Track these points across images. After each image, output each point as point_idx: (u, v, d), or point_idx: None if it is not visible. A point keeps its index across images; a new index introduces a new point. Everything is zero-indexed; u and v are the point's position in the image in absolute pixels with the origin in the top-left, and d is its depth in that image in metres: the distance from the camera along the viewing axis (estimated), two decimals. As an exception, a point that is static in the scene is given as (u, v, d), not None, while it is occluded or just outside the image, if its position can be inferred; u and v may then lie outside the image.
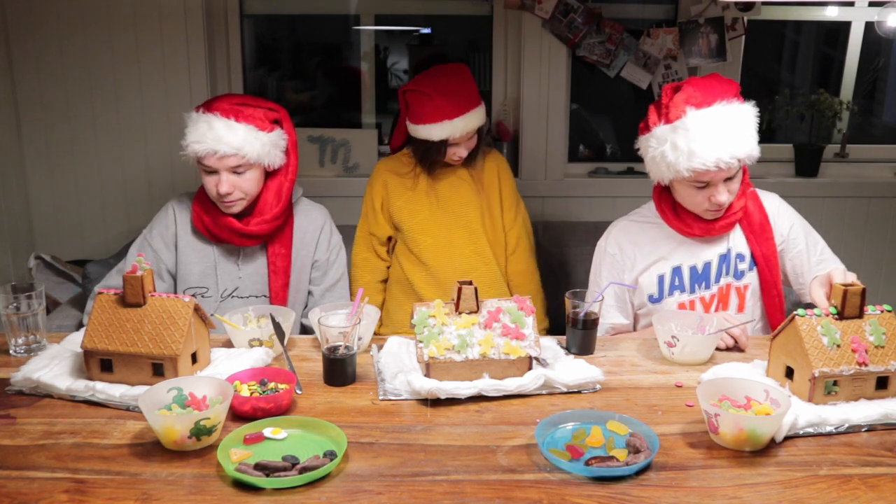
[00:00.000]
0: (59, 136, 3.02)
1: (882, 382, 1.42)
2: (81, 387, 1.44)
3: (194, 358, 1.51)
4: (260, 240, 2.05)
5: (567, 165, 3.25)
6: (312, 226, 2.13)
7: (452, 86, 2.26)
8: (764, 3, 3.02)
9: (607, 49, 3.05)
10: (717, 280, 1.94)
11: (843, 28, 3.28)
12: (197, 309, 1.51)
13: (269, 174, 2.04)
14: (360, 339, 1.62)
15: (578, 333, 1.71)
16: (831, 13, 3.24)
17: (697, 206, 1.88)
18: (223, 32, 3.09)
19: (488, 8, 3.17)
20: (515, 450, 1.29)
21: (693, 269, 1.95)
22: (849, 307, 1.45)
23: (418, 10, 3.38)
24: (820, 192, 3.22)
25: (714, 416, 1.29)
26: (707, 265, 1.94)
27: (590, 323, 1.71)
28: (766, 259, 1.93)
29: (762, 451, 1.28)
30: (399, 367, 1.57)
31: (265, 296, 2.07)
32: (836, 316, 1.45)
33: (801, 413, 1.34)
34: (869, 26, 3.20)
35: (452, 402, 1.46)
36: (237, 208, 1.99)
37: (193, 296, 1.87)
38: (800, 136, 3.35)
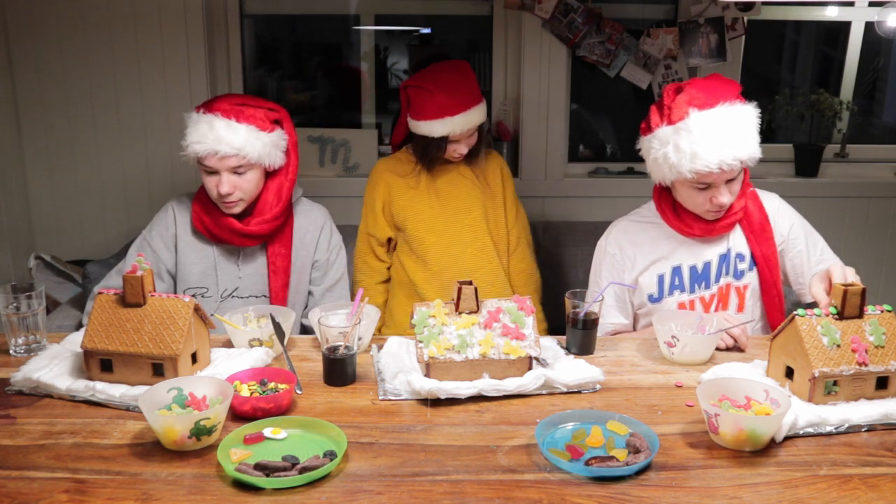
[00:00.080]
0: (59, 136, 3.02)
1: (882, 382, 1.42)
2: (81, 387, 1.44)
3: (194, 358, 1.51)
4: (260, 240, 2.05)
5: (567, 165, 3.25)
6: (313, 226, 2.13)
7: (454, 82, 2.26)
8: (764, 3, 3.02)
9: (607, 49, 3.05)
10: (717, 280, 1.94)
11: (843, 28, 3.28)
12: (197, 309, 1.51)
13: (269, 174, 2.04)
14: (360, 339, 1.62)
15: (578, 333, 1.71)
16: (831, 13, 3.24)
17: (699, 206, 1.88)
18: (223, 32, 3.09)
19: (488, 8, 3.17)
20: (515, 450, 1.29)
21: (693, 268, 1.95)
22: (849, 307, 1.45)
23: (418, 10, 3.38)
24: (820, 192, 3.22)
25: (714, 416, 1.29)
26: (707, 265, 1.94)
27: (590, 323, 1.71)
28: (765, 259, 1.93)
29: (762, 451, 1.28)
30: (399, 367, 1.57)
31: (265, 296, 2.07)
32: (836, 316, 1.45)
33: (801, 413, 1.34)
34: (869, 26, 3.20)
35: (452, 402, 1.46)
36: (237, 209, 1.99)
37: (193, 296, 1.87)
38: (800, 136, 3.35)
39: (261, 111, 1.98)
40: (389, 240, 2.47)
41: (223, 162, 1.92)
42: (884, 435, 1.34)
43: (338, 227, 2.21)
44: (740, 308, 1.95)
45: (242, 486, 1.17)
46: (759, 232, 1.93)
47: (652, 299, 1.97)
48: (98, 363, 1.48)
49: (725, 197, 1.83)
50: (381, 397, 1.48)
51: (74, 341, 1.65)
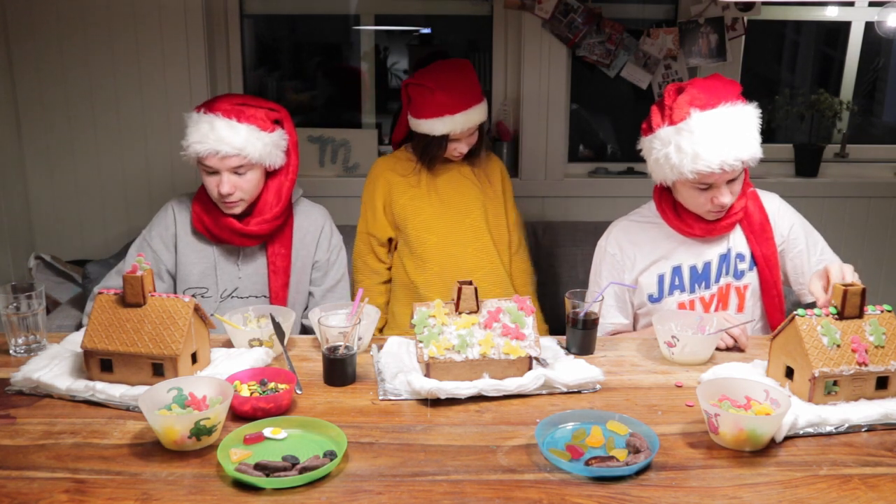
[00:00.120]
0: (59, 136, 3.02)
1: (882, 382, 1.42)
2: (81, 387, 1.44)
3: (194, 358, 1.51)
4: (260, 240, 2.05)
5: (567, 165, 3.25)
6: (313, 226, 2.13)
7: (455, 81, 2.26)
8: (764, 3, 3.02)
9: (607, 49, 3.05)
10: (717, 280, 1.94)
11: (843, 28, 3.28)
12: (197, 309, 1.51)
13: (269, 174, 2.04)
14: (360, 339, 1.62)
15: (578, 333, 1.71)
16: (831, 13, 3.24)
17: (700, 207, 1.88)
18: (223, 32, 3.09)
19: (488, 8, 3.17)
20: (515, 450, 1.29)
21: (693, 268, 1.95)
22: (849, 307, 1.45)
23: (418, 10, 3.38)
24: (820, 192, 3.22)
25: (714, 416, 1.29)
26: (707, 265, 1.94)
27: (590, 323, 1.71)
28: (766, 259, 1.93)
29: (762, 451, 1.28)
30: (399, 367, 1.57)
31: (265, 296, 2.07)
32: (836, 316, 1.45)
33: (801, 413, 1.34)
34: (869, 26, 3.20)
35: (452, 402, 1.46)
36: (238, 209, 1.99)
37: (193, 296, 1.87)
38: (800, 136, 3.35)
39: (261, 111, 1.98)
40: (390, 240, 2.46)
41: (224, 162, 1.92)
42: (884, 435, 1.34)
43: (338, 228, 2.21)
44: (740, 308, 1.95)
45: (242, 486, 1.17)
46: (760, 232, 1.93)
47: (652, 299, 1.97)
48: (98, 363, 1.48)
49: (727, 197, 1.83)
50: (381, 397, 1.48)
51: (74, 341, 1.65)
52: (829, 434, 1.34)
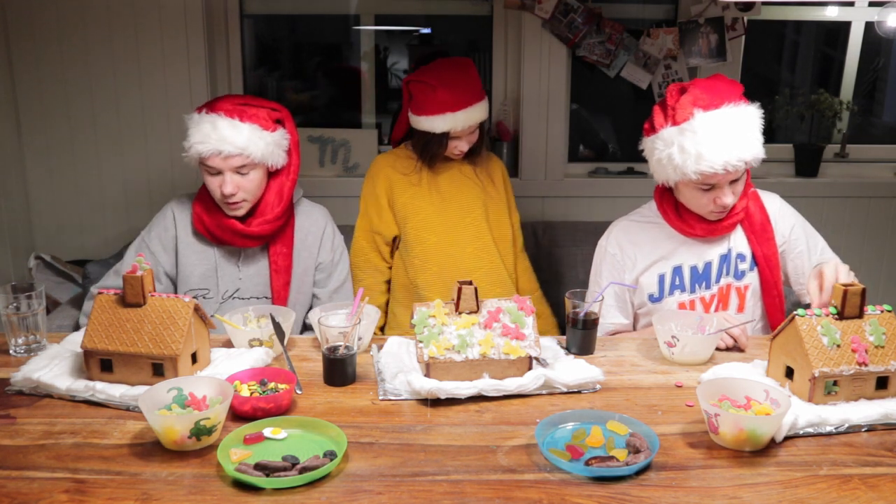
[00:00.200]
0: (59, 136, 3.02)
1: (882, 382, 1.42)
2: (81, 387, 1.44)
3: (194, 358, 1.51)
4: (262, 241, 2.04)
5: (567, 165, 3.25)
6: (315, 227, 2.13)
7: (457, 78, 2.26)
8: (764, 3, 3.02)
9: (607, 49, 3.05)
10: (718, 280, 1.94)
11: (843, 28, 3.28)
12: (197, 309, 1.51)
13: (270, 174, 2.04)
14: (360, 339, 1.62)
15: (578, 333, 1.71)
16: (831, 13, 3.24)
17: (702, 207, 1.88)
18: (223, 32, 3.09)
19: (488, 8, 3.17)
20: (515, 450, 1.29)
21: (694, 268, 1.95)
22: (849, 307, 1.45)
23: (418, 10, 3.38)
24: (820, 192, 3.22)
25: (714, 416, 1.29)
26: (708, 265, 1.94)
27: (590, 323, 1.71)
28: (766, 259, 1.93)
29: (762, 451, 1.28)
30: (399, 367, 1.56)
31: (266, 297, 2.07)
32: (836, 316, 1.45)
33: (801, 413, 1.34)
34: (869, 26, 3.20)
35: (452, 402, 1.46)
36: (242, 211, 1.98)
37: (195, 297, 1.86)
38: (800, 136, 3.35)
39: (263, 111, 1.98)
40: (395, 239, 2.45)
41: (227, 162, 1.91)
42: (884, 435, 1.34)
43: (338, 228, 2.21)
44: (740, 308, 1.95)
45: (242, 486, 1.17)
46: (761, 232, 1.93)
47: (652, 299, 1.97)
48: (98, 363, 1.48)
49: (729, 198, 1.83)
50: (381, 397, 1.48)
51: (74, 341, 1.65)
52: (829, 434, 1.34)
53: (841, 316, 1.45)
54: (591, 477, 1.20)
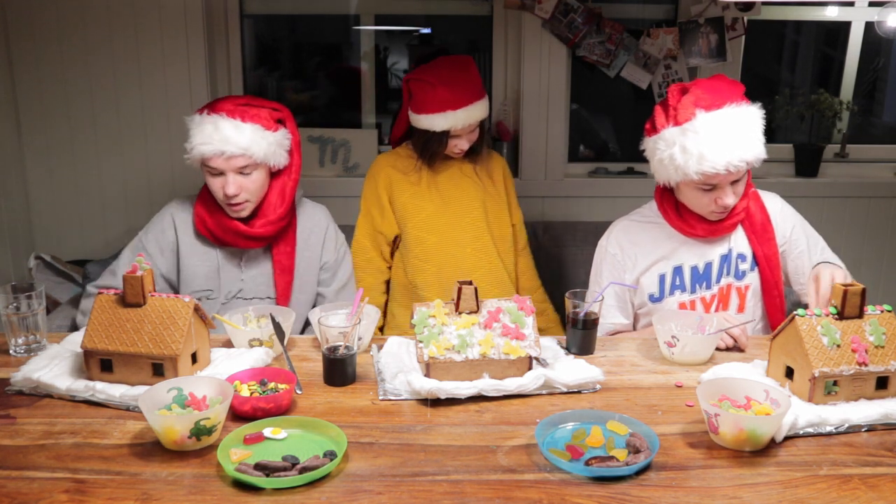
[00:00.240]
0: (59, 136, 3.02)
1: (882, 382, 1.42)
2: (81, 387, 1.44)
3: (194, 358, 1.51)
4: (265, 241, 2.04)
5: (567, 165, 3.25)
6: (317, 227, 2.13)
7: (457, 77, 2.26)
8: (764, 3, 3.02)
9: (607, 49, 3.05)
10: (718, 280, 1.94)
11: (843, 28, 3.28)
12: (197, 309, 1.51)
13: (272, 175, 2.03)
14: (360, 339, 1.62)
15: (578, 333, 1.71)
16: (831, 13, 3.24)
17: (703, 207, 1.88)
18: (223, 32, 3.09)
19: (488, 8, 3.17)
20: (515, 450, 1.29)
21: (694, 268, 1.95)
22: (849, 307, 1.45)
23: (418, 10, 3.38)
24: (820, 192, 3.22)
25: (714, 416, 1.29)
26: (708, 265, 1.94)
27: (590, 323, 1.71)
28: (767, 259, 1.93)
29: (762, 451, 1.28)
30: (399, 367, 1.56)
31: (269, 297, 2.07)
32: (836, 316, 1.45)
33: (801, 413, 1.34)
34: (869, 26, 3.21)
35: (452, 402, 1.46)
36: (245, 212, 1.98)
37: (199, 299, 1.86)
38: (800, 136, 3.35)
39: (265, 111, 1.97)
40: (395, 238, 2.45)
41: (230, 162, 1.91)
42: (884, 435, 1.34)
43: (339, 227, 2.22)
44: (741, 308, 1.95)
45: (242, 486, 1.17)
46: (761, 232, 1.93)
47: (653, 299, 1.96)
48: (98, 363, 1.48)
49: (730, 198, 1.83)
50: (381, 397, 1.48)
51: (74, 341, 1.65)
52: (829, 434, 1.34)
53: (841, 316, 1.45)
54: (591, 477, 1.20)
